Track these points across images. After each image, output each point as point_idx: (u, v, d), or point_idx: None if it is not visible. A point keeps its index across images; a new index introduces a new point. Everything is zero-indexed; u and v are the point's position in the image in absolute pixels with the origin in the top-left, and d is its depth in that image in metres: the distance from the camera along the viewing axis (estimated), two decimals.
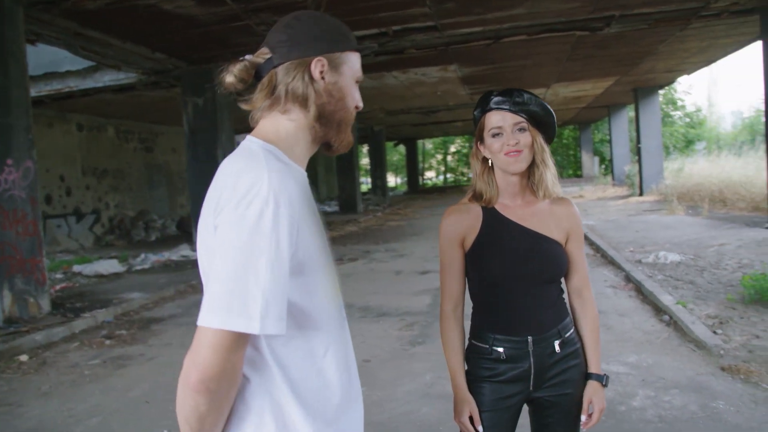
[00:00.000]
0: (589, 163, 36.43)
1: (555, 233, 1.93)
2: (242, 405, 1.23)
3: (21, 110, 7.32)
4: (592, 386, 1.94)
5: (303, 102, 1.31)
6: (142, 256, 12.91)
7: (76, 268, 11.63)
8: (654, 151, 19.57)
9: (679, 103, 33.78)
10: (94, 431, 4.13)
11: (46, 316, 7.46)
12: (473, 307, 1.99)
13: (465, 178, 49.55)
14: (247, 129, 1.37)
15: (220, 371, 1.10)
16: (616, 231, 12.00)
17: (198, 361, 1.10)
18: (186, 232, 17.87)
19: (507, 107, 1.86)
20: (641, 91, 19.70)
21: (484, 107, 1.91)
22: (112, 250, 15.39)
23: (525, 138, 1.85)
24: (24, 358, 6.07)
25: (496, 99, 1.89)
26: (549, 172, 1.91)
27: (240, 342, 1.12)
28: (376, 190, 30.06)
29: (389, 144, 40.98)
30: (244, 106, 1.35)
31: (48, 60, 11.87)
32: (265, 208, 1.12)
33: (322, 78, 1.31)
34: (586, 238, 11.51)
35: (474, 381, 1.93)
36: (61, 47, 9.33)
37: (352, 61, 1.37)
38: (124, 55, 9.96)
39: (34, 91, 12.02)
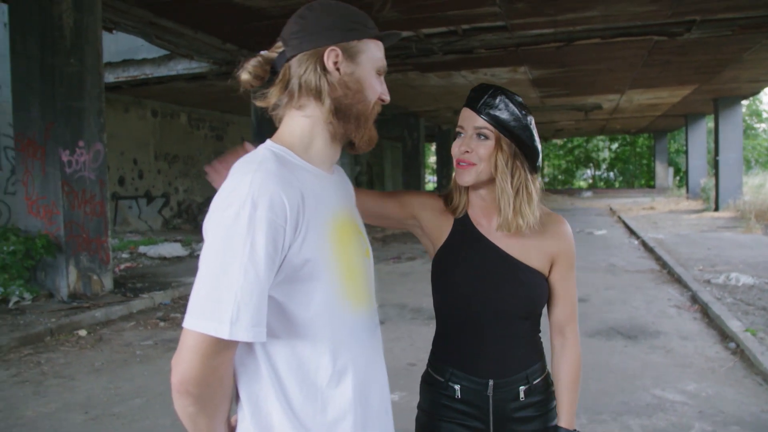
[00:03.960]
0: (663, 173, 35.15)
1: (535, 260, 1.61)
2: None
3: (94, 95, 7.58)
4: None
5: (317, 95, 1.24)
6: None
7: (142, 249, 12.02)
8: (733, 164, 18.64)
9: (764, 115, 32.19)
10: (136, 412, 4.22)
11: (108, 293, 7.71)
12: (435, 330, 1.72)
13: None
14: None
15: (199, 375, 1.09)
16: (686, 247, 11.48)
17: (178, 362, 1.10)
18: None
19: (474, 106, 1.55)
20: (722, 101, 18.78)
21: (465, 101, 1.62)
22: (178, 233, 15.85)
23: (483, 148, 1.54)
24: (83, 333, 6.29)
25: (472, 94, 1.59)
26: (506, 200, 1.55)
27: (220, 347, 1.09)
28: (442, 189, 29.87)
29: None
30: (258, 103, 1.31)
31: (126, 47, 12.29)
32: (241, 210, 1.09)
33: (337, 69, 1.24)
34: (652, 252, 11.08)
35: (430, 418, 1.67)
36: (137, 35, 9.61)
37: (372, 51, 1.28)
38: (196, 45, 10.18)
39: (112, 77, 12.49)
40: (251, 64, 1.27)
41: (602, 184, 47.05)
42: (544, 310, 1.70)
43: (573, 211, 22.41)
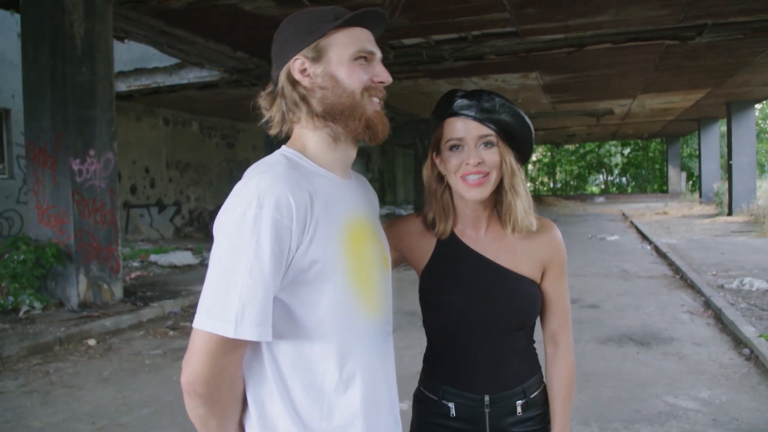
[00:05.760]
0: (676, 178, 34.91)
1: (526, 268, 1.56)
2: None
3: (105, 104, 7.62)
4: None
5: (298, 106, 1.26)
6: None
7: (153, 257, 12.05)
8: (746, 168, 18.50)
9: None
10: (143, 422, 4.20)
11: (118, 302, 7.72)
12: (426, 347, 1.67)
13: (545, 188, 48.55)
14: None
15: (207, 374, 1.09)
16: (700, 252, 11.37)
17: (187, 362, 1.11)
18: None
19: (472, 114, 1.47)
20: (735, 105, 18.68)
21: (444, 111, 1.52)
22: (189, 242, 15.89)
23: (491, 156, 1.47)
24: (92, 342, 6.30)
25: (460, 102, 1.49)
26: (519, 201, 1.52)
27: (227, 347, 1.09)
28: None
29: None
30: (270, 132, 1.33)
31: (138, 56, 12.38)
32: (247, 210, 1.10)
33: (307, 75, 1.24)
34: (665, 257, 10.97)
35: None
36: (149, 44, 9.67)
37: (340, 41, 1.25)
38: (208, 54, 10.23)
39: (124, 86, 12.59)
40: (263, 100, 1.32)
41: (615, 189, 46.80)
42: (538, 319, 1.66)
43: (585, 217, 22.28)
